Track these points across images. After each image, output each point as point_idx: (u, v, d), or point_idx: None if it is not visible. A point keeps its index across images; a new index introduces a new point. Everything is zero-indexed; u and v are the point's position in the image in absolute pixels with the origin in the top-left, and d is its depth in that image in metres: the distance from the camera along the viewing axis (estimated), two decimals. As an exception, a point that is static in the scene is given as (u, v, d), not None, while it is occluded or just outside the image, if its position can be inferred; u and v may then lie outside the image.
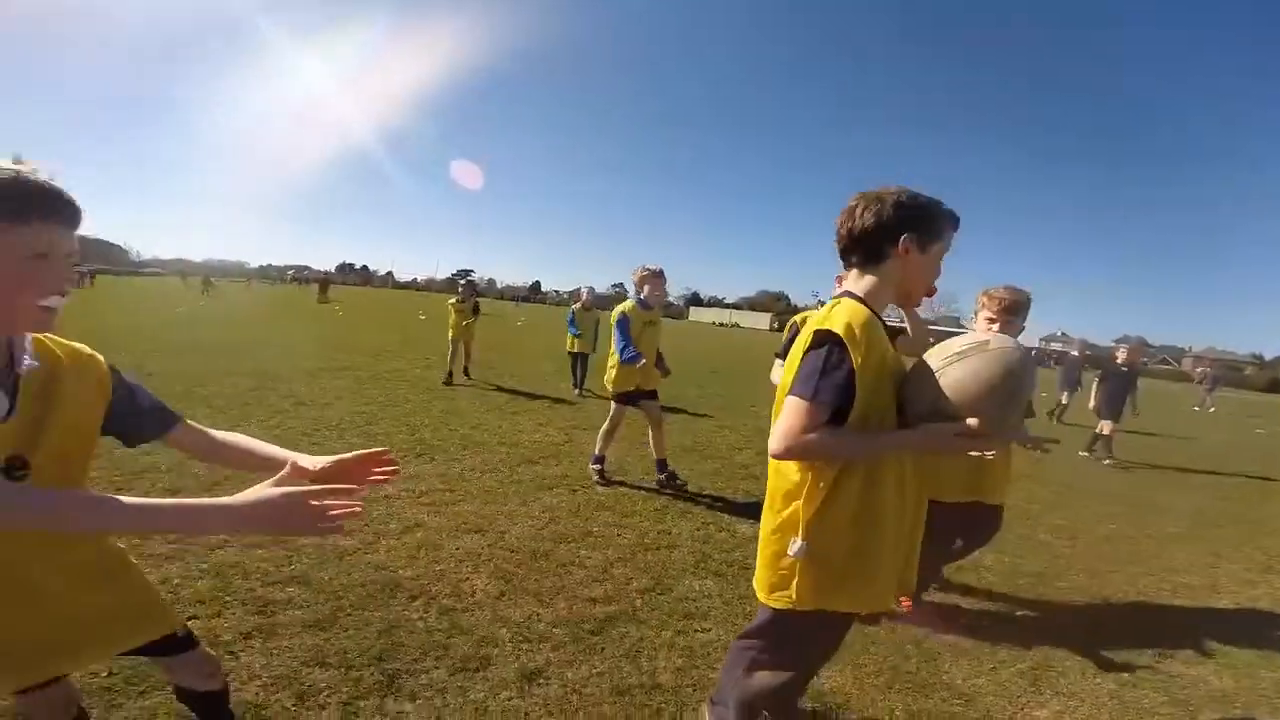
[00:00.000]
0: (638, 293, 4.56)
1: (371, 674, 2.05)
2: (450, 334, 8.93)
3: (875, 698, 2.23)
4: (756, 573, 1.62)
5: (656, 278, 4.51)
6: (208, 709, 1.49)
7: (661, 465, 4.51)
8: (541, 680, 2.13)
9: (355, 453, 1.14)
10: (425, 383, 8.14)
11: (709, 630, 2.56)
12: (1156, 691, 2.45)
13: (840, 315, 1.42)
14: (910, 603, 2.89)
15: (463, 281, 10.37)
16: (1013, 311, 2.83)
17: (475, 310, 9.32)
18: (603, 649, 2.36)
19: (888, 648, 2.58)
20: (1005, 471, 2.90)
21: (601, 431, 4.56)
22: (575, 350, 8.78)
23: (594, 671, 2.21)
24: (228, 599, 2.39)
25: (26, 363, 1.01)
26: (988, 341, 1.37)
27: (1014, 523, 4.42)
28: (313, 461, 1.12)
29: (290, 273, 72.83)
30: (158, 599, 1.34)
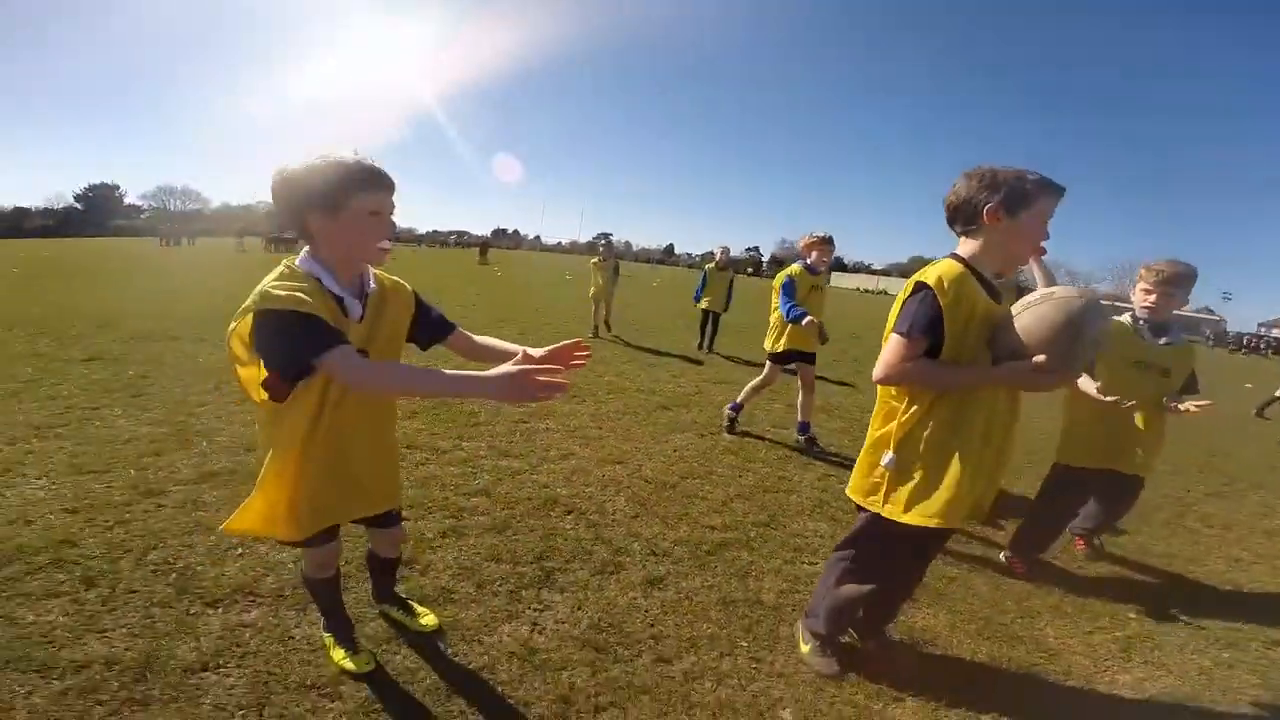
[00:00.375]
0: (804, 257, 4.65)
1: (533, 570, 2.60)
2: (591, 291, 9.53)
3: (963, 641, 2.42)
4: (851, 480, 1.96)
5: (825, 244, 4.56)
6: (383, 571, 2.12)
7: (804, 427, 4.63)
8: (661, 586, 2.58)
9: (562, 343, 1.59)
10: (574, 335, 8.87)
11: (815, 564, 2.86)
12: (1252, 674, 2.40)
13: (934, 270, 1.71)
14: (1020, 564, 2.99)
15: (602, 243, 10.84)
16: (1171, 283, 2.76)
17: (615, 271, 9.81)
18: (715, 567, 2.77)
19: (988, 601, 2.73)
20: (1149, 444, 2.85)
21: (750, 385, 4.75)
22: (706, 308, 8.90)
23: (705, 584, 2.63)
24: (429, 504, 3.08)
25: (371, 286, 1.58)
26: (1054, 291, 1.58)
27: (1165, 507, 4.20)
28: (536, 351, 1.58)
29: (452, 237, 79.35)
30: (400, 482, 1.93)
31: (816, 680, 2.09)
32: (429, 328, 1.75)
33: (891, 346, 1.72)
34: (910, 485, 1.78)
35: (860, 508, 1.97)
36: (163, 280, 13.67)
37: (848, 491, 2.02)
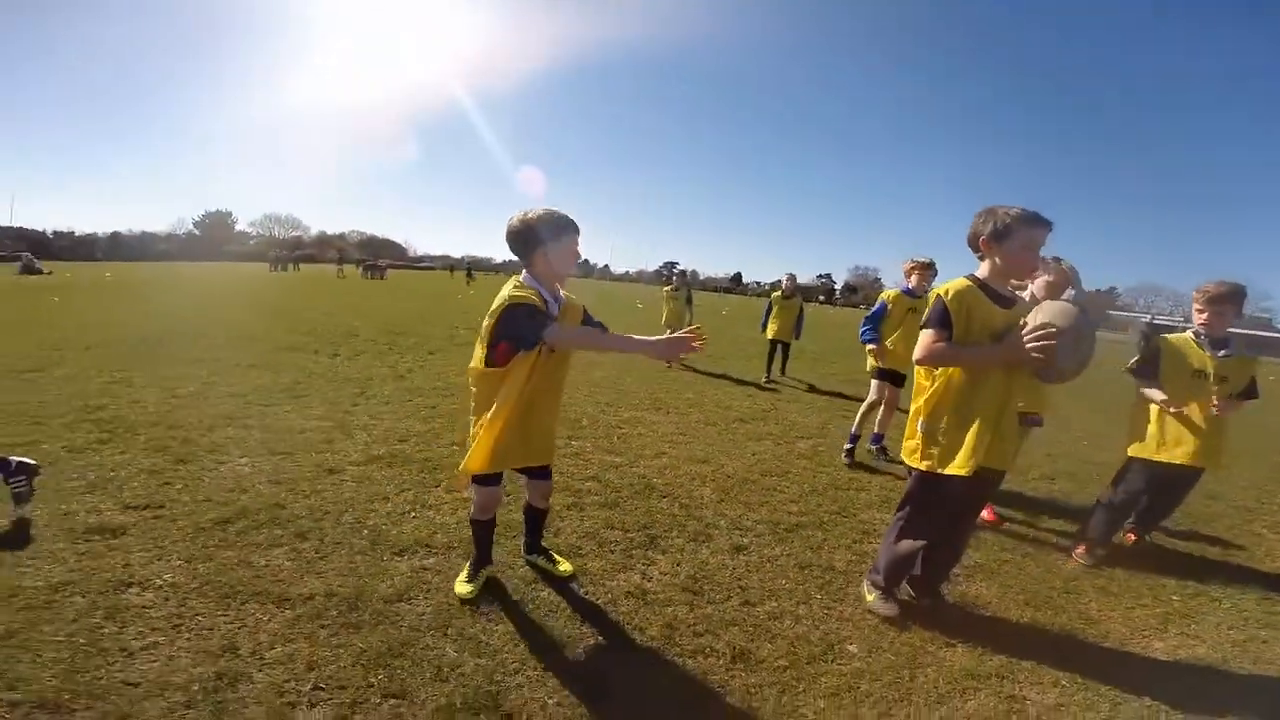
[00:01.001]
0: (905, 282, 4.87)
1: (639, 536, 3.17)
2: (664, 319, 9.82)
3: (1010, 607, 2.78)
4: (903, 444, 2.49)
5: (926, 269, 4.77)
6: (534, 520, 2.73)
7: (877, 438, 4.88)
8: (745, 552, 3.09)
9: (690, 328, 2.11)
10: (642, 363, 9.49)
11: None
12: None
13: (949, 284, 2.29)
14: (1088, 552, 3.30)
15: (675, 272, 11.08)
16: (1217, 302, 3.13)
17: (688, 300, 9.94)
18: (792, 540, 3.25)
19: (1036, 579, 3.07)
20: (1211, 442, 3.12)
21: (860, 412, 4.85)
22: (773, 337, 8.68)
23: (784, 552, 3.11)
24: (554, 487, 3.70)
25: (562, 297, 2.27)
26: (1048, 302, 2.12)
27: (1232, 515, 4.34)
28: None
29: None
30: (555, 439, 2.55)
31: (879, 625, 2.53)
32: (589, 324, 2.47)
33: (922, 337, 2.29)
34: (938, 445, 2.31)
35: (910, 470, 2.45)
36: (284, 301, 15.33)
37: (901, 455, 2.52)
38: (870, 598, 2.64)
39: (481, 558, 2.58)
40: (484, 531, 2.55)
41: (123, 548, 2.61)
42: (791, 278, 8.92)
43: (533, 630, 2.32)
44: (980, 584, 2.96)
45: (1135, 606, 2.89)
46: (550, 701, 1.96)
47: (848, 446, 4.81)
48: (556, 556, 2.78)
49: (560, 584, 2.65)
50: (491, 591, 2.54)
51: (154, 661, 1.95)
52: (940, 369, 2.32)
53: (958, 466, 2.24)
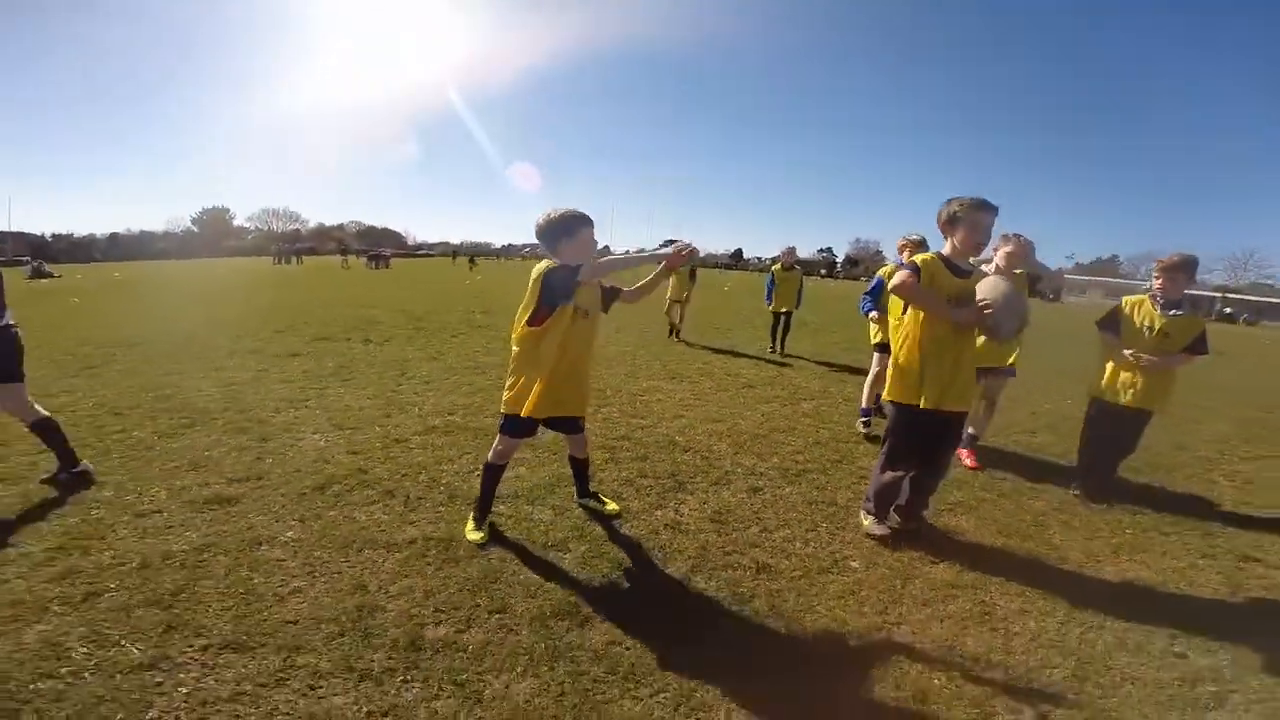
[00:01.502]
0: (900, 257, 5.07)
1: (669, 482, 3.71)
2: (669, 293, 9.76)
3: (985, 536, 3.29)
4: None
5: (918, 246, 4.90)
6: (579, 469, 3.24)
7: (866, 412, 5.23)
8: (760, 493, 3.63)
9: (680, 242, 2.73)
10: (655, 334, 9.94)
11: (877, 486, 3.82)
12: (1219, 575, 3.04)
13: (921, 255, 2.86)
14: (1085, 495, 3.86)
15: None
16: (1171, 270, 3.68)
17: (692, 276, 10.02)
18: (800, 482, 3.79)
19: (1010, 514, 3.58)
20: (1155, 386, 3.68)
21: (867, 383, 5.14)
22: (776, 309, 8.90)
23: (793, 492, 3.66)
24: (592, 445, 4.21)
25: (584, 271, 2.70)
26: (989, 276, 2.65)
27: (1193, 464, 4.83)
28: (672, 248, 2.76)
29: (525, 250, 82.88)
30: (587, 400, 3.05)
31: (875, 546, 3.06)
32: (606, 298, 2.97)
33: (898, 275, 2.85)
34: (900, 379, 2.91)
35: (890, 404, 3.00)
36: (297, 294, 15.79)
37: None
38: (866, 522, 3.18)
39: (485, 505, 3.03)
40: (494, 477, 3.00)
41: (242, 514, 3.10)
42: (790, 250, 9.16)
43: (594, 557, 2.85)
44: (960, 517, 3.49)
45: (1093, 538, 3.38)
46: (618, 606, 2.49)
47: (863, 419, 5.06)
48: (604, 498, 3.32)
49: (609, 521, 3.18)
50: (559, 527, 3.08)
51: (302, 603, 2.41)
52: (909, 323, 2.90)
53: (909, 398, 2.87)
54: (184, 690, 1.95)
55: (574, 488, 3.36)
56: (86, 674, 2.00)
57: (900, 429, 2.99)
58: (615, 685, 2.05)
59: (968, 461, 4.24)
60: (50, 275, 26.12)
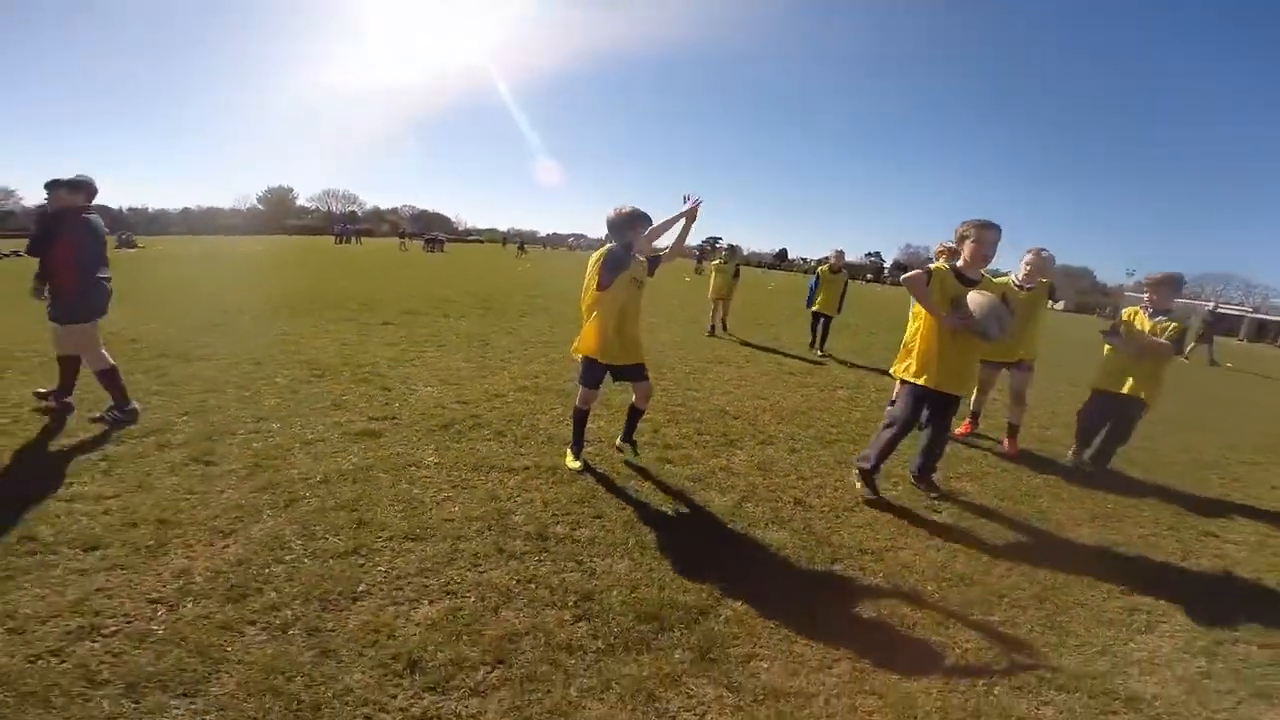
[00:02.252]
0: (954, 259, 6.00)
1: (721, 440, 4.48)
2: (709, 292, 10.15)
3: (984, 498, 3.97)
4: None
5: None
6: (634, 417, 3.96)
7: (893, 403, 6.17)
8: (798, 453, 4.39)
9: (690, 204, 3.58)
10: (692, 331, 10.36)
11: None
12: (1179, 545, 3.70)
13: (936, 265, 3.50)
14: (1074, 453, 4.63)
15: (726, 247, 11.62)
16: (1157, 285, 4.41)
17: (735, 274, 10.27)
18: (833, 447, 4.55)
19: (1010, 483, 4.27)
20: (1147, 378, 4.36)
21: None
22: (817, 310, 8.99)
23: (827, 454, 4.41)
24: (656, 409, 4.99)
25: (635, 252, 3.55)
26: (975, 291, 3.31)
27: (1192, 465, 5.36)
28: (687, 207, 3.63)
29: (570, 240, 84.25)
30: (644, 349, 3.82)
31: (891, 494, 3.78)
32: (651, 265, 3.74)
33: (913, 272, 3.53)
34: (907, 361, 3.61)
35: (901, 379, 3.69)
36: (373, 273, 17.02)
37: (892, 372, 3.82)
38: (858, 485, 3.82)
39: (578, 441, 3.83)
40: (581, 420, 3.81)
41: (388, 444, 3.93)
42: (840, 254, 9.13)
43: (664, 484, 3.67)
44: (965, 483, 4.18)
45: (1076, 507, 4.02)
46: (685, 517, 3.31)
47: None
48: (636, 445, 4.03)
49: (674, 463, 3.98)
50: (635, 465, 3.89)
51: (454, 506, 3.20)
52: (921, 317, 3.60)
53: (916, 377, 3.55)
54: (381, 569, 2.56)
55: (633, 440, 4.03)
56: (306, 559, 2.58)
57: (905, 398, 3.66)
58: (685, 566, 2.82)
59: (1007, 448, 4.94)
60: (136, 245, 28.13)
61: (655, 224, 3.66)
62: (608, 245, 3.56)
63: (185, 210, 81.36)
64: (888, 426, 3.72)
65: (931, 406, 3.64)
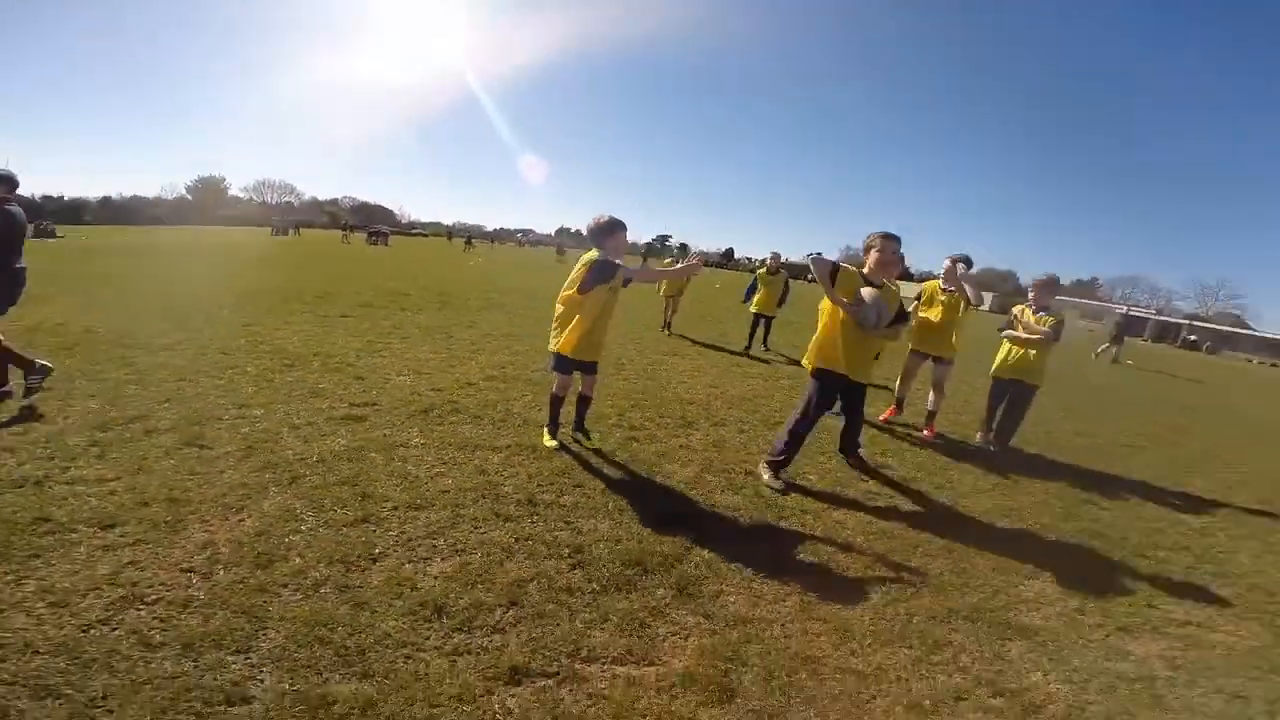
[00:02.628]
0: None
1: (679, 422, 4.94)
2: (662, 289, 10.23)
3: (904, 471, 4.63)
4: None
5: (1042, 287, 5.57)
6: (583, 406, 4.32)
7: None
8: (746, 433, 4.91)
9: (695, 257, 4.04)
10: (648, 328, 10.79)
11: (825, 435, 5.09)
12: (1062, 508, 4.50)
13: (847, 267, 3.92)
14: (986, 438, 5.28)
15: (678, 246, 12.50)
16: (1039, 287, 5.24)
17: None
18: (776, 429, 4.94)
19: (926, 460, 4.93)
20: (1036, 366, 5.17)
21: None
22: (756, 311, 9.26)
23: (772, 435, 4.81)
24: (616, 399, 5.42)
25: (619, 261, 3.93)
26: (869, 288, 3.82)
27: (1090, 449, 6.20)
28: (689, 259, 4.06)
29: (519, 235, 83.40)
30: (604, 348, 4.23)
31: (826, 464, 4.35)
32: (625, 279, 4.07)
33: (816, 257, 3.93)
34: (817, 348, 4.01)
35: (814, 368, 4.11)
36: (314, 267, 16.69)
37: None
38: (765, 476, 4.01)
39: (553, 422, 4.22)
40: (556, 404, 4.19)
41: (374, 427, 4.17)
42: (776, 256, 9.57)
43: (632, 459, 4.11)
44: (889, 458, 4.82)
45: (980, 478, 4.68)
46: (655, 484, 3.77)
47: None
48: (591, 434, 4.35)
49: (640, 441, 4.42)
50: (606, 443, 4.31)
51: (448, 480, 3.49)
52: (824, 316, 3.98)
53: (830, 365, 3.94)
54: (393, 534, 2.83)
55: (584, 429, 4.37)
56: (320, 529, 2.79)
57: (816, 386, 4.04)
58: (658, 524, 3.25)
59: (927, 433, 5.58)
60: (55, 235, 26.40)
61: (667, 269, 4.09)
62: (594, 252, 3.88)
63: (105, 199, 76.44)
64: (798, 418, 4.00)
65: (844, 394, 4.07)
